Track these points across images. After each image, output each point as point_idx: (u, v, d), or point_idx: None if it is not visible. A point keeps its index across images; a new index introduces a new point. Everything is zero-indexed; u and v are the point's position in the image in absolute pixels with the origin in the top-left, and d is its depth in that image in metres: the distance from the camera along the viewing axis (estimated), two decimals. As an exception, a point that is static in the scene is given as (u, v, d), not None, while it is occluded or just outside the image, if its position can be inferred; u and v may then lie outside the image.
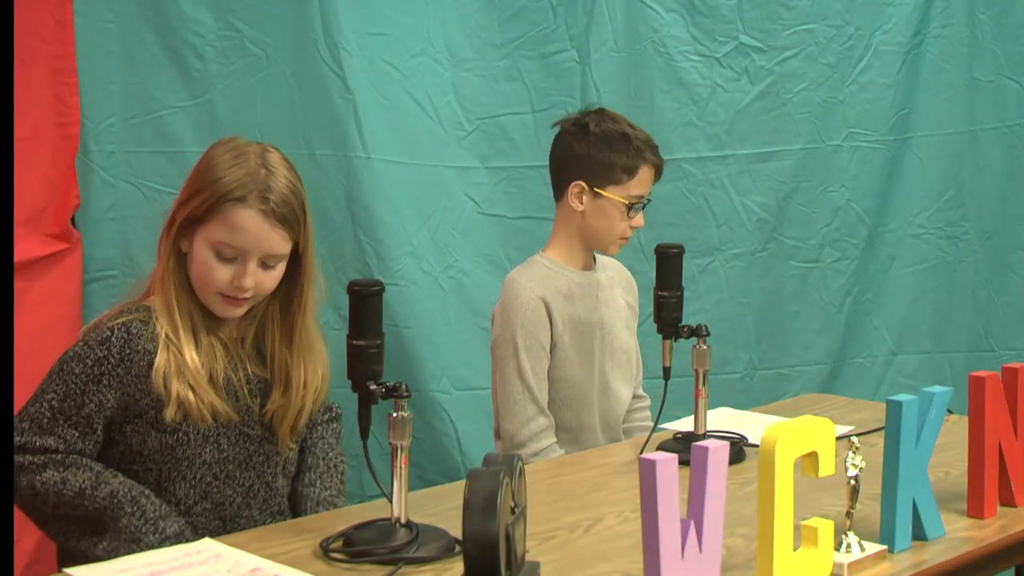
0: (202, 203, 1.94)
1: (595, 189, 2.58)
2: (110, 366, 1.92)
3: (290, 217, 1.96)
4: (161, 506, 1.93)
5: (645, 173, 2.59)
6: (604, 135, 2.58)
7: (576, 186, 2.59)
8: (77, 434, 1.92)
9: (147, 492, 1.93)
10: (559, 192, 2.65)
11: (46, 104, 2.89)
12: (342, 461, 2.18)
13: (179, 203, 1.98)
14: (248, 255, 1.94)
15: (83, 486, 1.89)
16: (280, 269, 2.00)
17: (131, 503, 1.90)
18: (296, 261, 2.02)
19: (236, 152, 1.97)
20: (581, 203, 2.60)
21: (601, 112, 2.64)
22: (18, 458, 1.89)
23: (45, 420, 1.91)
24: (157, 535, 1.90)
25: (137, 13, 3.05)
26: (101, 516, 1.89)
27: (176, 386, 1.92)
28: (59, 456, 1.90)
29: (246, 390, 2.00)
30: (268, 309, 2.05)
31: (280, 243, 1.96)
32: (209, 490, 1.98)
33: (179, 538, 1.91)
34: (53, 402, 1.91)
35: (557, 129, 2.70)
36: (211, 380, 1.96)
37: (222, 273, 1.95)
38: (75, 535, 1.91)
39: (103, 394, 1.92)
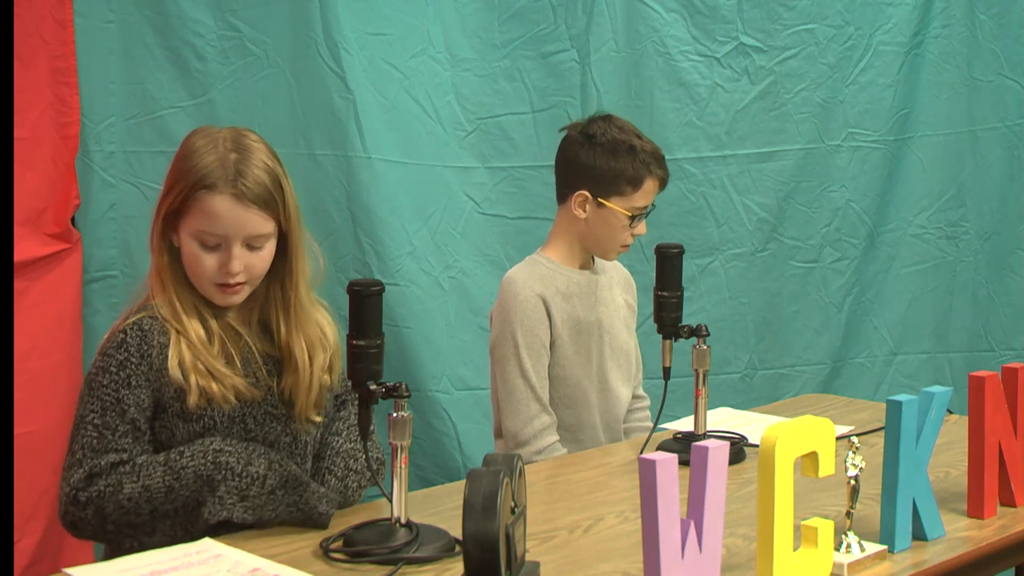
0: (178, 195, 1.94)
1: (598, 199, 2.57)
2: (133, 366, 1.92)
3: (265, 196, 1.95)
4: (240, 450, 1.90)
5: (650, 185, 2.58)
6: (610, 146, 2.56)
7: (580, 195, 2.59)
8: (130, 440, 1.91)
9: (216, 444, 1.90)
10: (562, 197, 2.65)
11: (46, 104, 2.89)
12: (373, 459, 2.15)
13: (160, 197, 1.99)
14: (230, 240, 1.94)
15: (167, 483, 1.88)
16: (269, 249, 1.99)
17: (216, 469, 1.88)
18: (284, 239, 2.02)
19: (208, 139, 1.97)
20: (584, 211, 2.59)
21: (609, 120, 2.62)
22: (93, 489, 1.87)
23: (95, 441, 1.89)
24: (256, 484, 1.88)
25: (137, 13, 3.05)
26: (199, 494, 1.88)
27: (194, 377, 1.92)
28: (127, 467, 1.89)
29: (264, 370, 2.00)
30: (269, 290, 2.04)
31: (259, 223, 1.95)
32: None
33: (271, 470, 1.90)
34: (95, 421, 1.90)
35: (560, 130, 2.70)
36: (228, 363, 1.96)
37: (210, 262, 1.95)
38: (178, 518, 1.90)
39: (137, 395, 1.92)
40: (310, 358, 2.03)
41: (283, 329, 2.03)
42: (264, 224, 1.96)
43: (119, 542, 1.94)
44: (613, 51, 3.52)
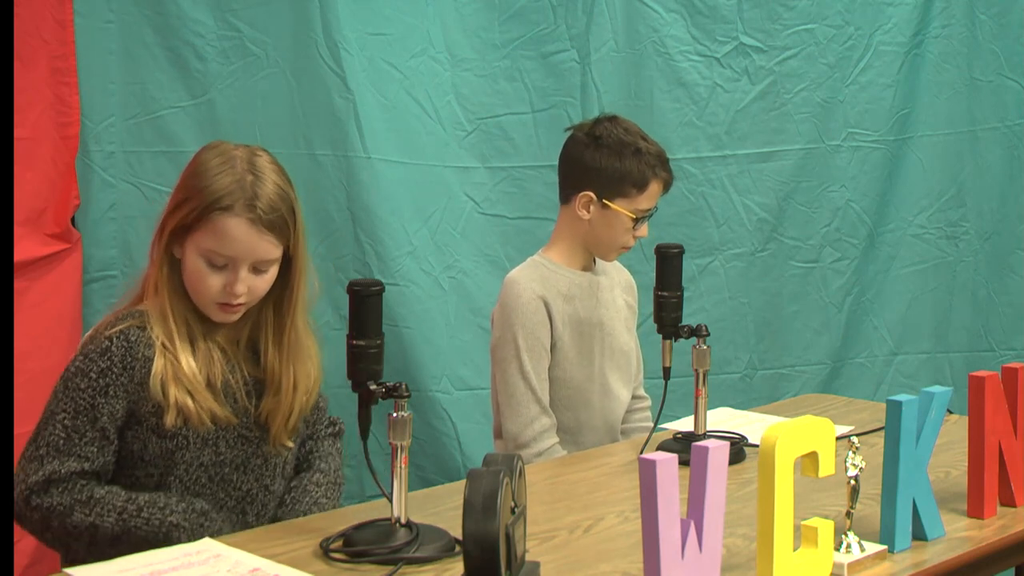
0: (191, 211, 1.94)
1: (603, 200, 2.57)
2: (114, 375, 1.92)
3: (278, 222, 1.95)
4: (194, 524, 1.92)
5: (654, 188, 2.58)
6: (616, 147, 2.55)
7: (584, 196, 2.58)
8: (96, 449, 1.91)
9: (173, 518, 1.91)
10: (565, 197, 2.64)
11: (46, 104, 2.89)
12: (342, 480, 2.18)
13: (169, 210, 1.98)
14: (238, 262, 1.94)
15: (115, 532, 1.89)
16: (272, 273, 1.99)
17: (166, 540, 1.89)
18: (288, 263, 2.02)
19: (223, 158, 1.96)
20: (588, 212, 2.59)
21: (615, 121, 2.61)
22: (46, 499, 1.88)
23: (61, 442, 1.90)
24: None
25: (137, 13, 3.05)
26: (140, 548, 1.88)
27: (174, 392, 1.91)
28: (83, 494, 1.89)
29: (243, 392, 2.00)
30: (262, 311, 2.04)
31: (270, 249, 1.96)
32: (202, 492, 1.97)
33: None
34: (65, 421, 1.91)
35: (560, 129, 2.69)
36: (209, 385, 1.96)
37: (214, 281, 1.95)
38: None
39: (112, 404, 1.92)
40: (295, 386, 2.03)
41: (271, 353, 2.03)
42: (274, 250, 1.96)
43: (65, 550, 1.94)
44: (613, 51, 3.52)
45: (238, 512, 2.02)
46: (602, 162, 2.56)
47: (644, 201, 2.58)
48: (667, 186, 2.62)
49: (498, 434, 2.65)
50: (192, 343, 1.97)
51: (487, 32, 3.44)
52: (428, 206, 3.36)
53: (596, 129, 2.59)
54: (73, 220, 2.97)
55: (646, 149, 2.57)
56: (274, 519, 2.06)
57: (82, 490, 1.89)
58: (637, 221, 2.58)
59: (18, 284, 2.72)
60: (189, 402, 1.92)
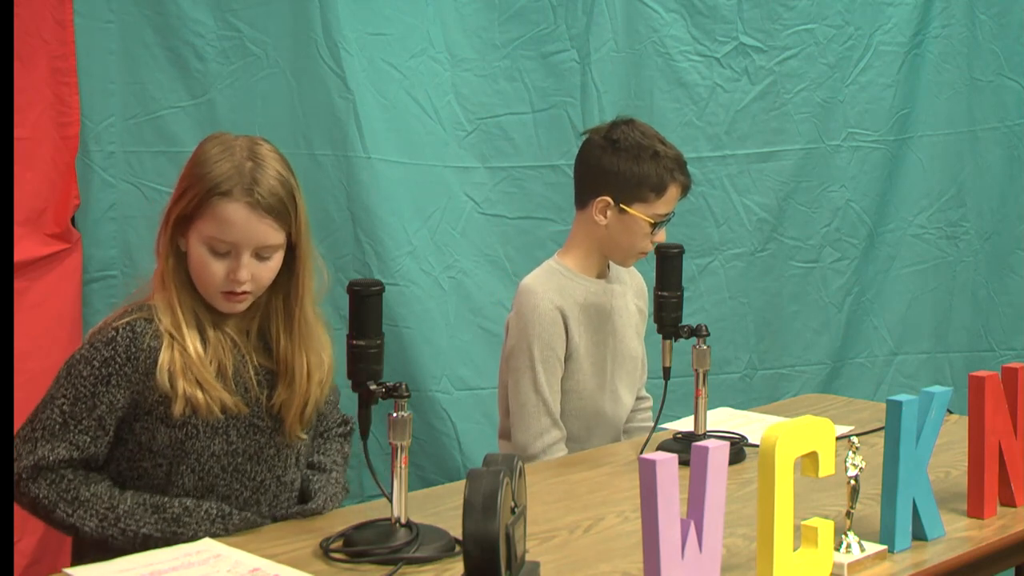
0: (192, 199, 1.95)
1: (620, 205, 2.54)
2: (117, 365, 1.92)
3: (278, 207, 1.95)
4: (171, 534, 1.91)
5: (672, 192, 2.55)
6: (634, 151, 2.52)
7: (601, 201, 2.55)
8: (89, 439, 1.91)
9: (148, 532, 1.90)
10: (582, 202, 2.60)
11: (46, 104, 2.88)
12: (347, 487, 2.17)
13: (172, 201, 1.99)
14: (240, 248, 1.94)
15: (93, 535, 1.88)
16: (276, 260, 1.99)
17: (143, 548, 1.89)
18: (293, 252, 2.02)
19: (224, 146, 1.97)
20: (605, 217, 2.55)
21: (631, 124, 2.58)
22: (34, 486, 1.88)
23: (57, 427, 1.90)
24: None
25: (137, 13, 3.05)
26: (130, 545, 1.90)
27: (182, 384, 1.91)
28: (70, 491, 1.89)
29: (255, 382, 2.00)
30: (271, 301, 2.04)
31: (270, 234, 1.96)
32: (216, 483, 1.97)
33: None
34: (64, 407, 1.91)
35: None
36: (220, 374, 1.96)
37: (217, 269, 1.95)
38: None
39: (113, 394, 1.92)
40: (309, 375, 2.03)
41: (283, 343, 2.03)
42: (275, 235, 1.96)
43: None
44: (613, 51, 3.52)
45: (253, 503, 2.01)
46: (620, 166, 2.53)
47: (662, 206, 2.54)
48: (685, 190, 2.59)
49: (503, 435, 2.64)
50: (201, 333, 1.97)
51: (487, 32, 3.43)
52: (428, 206, 3.36)
53: (613, 133, 2.56)
54: (73, 220, 2.97)
55: (664, 153, 2.54)
56: (291, 508, 2.05)
57: (68, 486, 1.90)
58: (655, 226, 2.54)
59: (18, 284, 2.72)
60: (198, 393, 1.92)
